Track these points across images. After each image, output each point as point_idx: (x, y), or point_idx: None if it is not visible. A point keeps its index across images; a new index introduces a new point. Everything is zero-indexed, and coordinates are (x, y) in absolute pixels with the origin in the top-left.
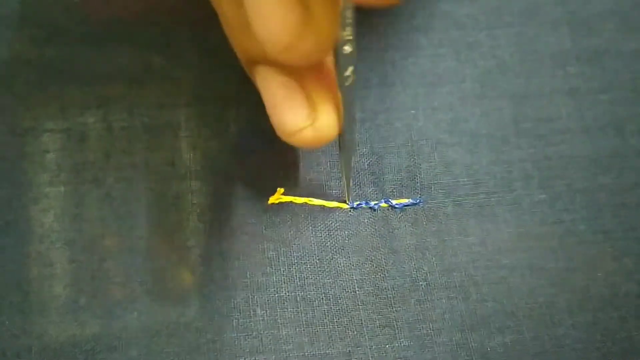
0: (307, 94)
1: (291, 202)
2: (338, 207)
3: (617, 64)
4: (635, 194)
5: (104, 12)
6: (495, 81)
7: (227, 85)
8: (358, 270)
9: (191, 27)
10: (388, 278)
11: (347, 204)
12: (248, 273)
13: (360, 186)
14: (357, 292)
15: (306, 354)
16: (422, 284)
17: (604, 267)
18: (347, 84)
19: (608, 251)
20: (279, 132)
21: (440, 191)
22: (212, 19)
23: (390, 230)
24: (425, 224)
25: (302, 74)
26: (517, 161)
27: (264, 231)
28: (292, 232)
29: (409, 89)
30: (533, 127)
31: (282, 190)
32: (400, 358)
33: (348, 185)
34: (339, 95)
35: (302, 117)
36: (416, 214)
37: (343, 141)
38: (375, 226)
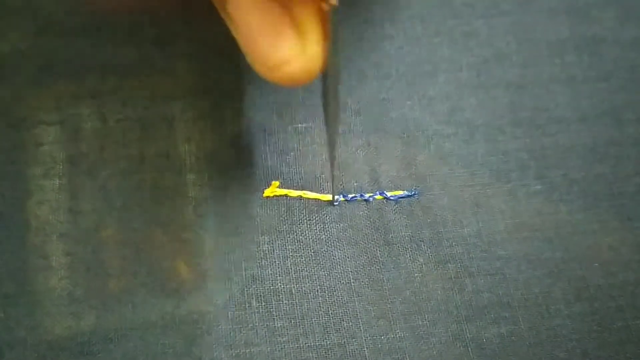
0: (294, 19)
1: (286, 195)
2: (331, 200)
3: (614, 52)
4: (632, 183)
5: (98, 4)
6: (492, 70)
7: (223, 77)
8: (353, 262)
9: (187, 19)
10: (383, 270)
11: (334, 201)
12: (243, 265)
13: (355, 178)
14: (352, 284)
15: (301, 345)
16: (417, 276)
17: (601, 257)
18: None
19: (605, 241)
20: (260, 67)
21: (436, 182)
22: (208, 12)
23: (386, 223)
24: (421, 216)
25: None
26: (513, 151)
27: (259, 224)
28: (287, 225)
29: (405, 79)
30: (530, 116)
31: (277, 183)
32: (396, 349)
33: (333, 175)
34: (326, 20)
35: (291, 46)
36: (411, 206)
37: (328, 92)
38: (370, 218)
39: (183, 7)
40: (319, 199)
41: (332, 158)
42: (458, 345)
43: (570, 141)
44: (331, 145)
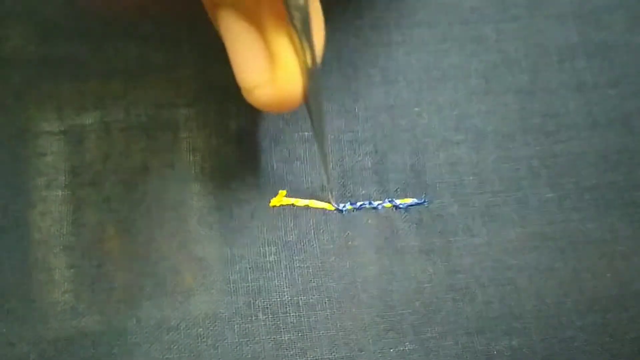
0: (267, 42)
1: (293, 204)
2: (336, 208)
3: (625, 57)
4: None
5: (101, 7)
6: (501, 76)
7: (228, 82)
8: (362, 272)
9: (190, 23)
10: (393, 280)
11: (334, 205)
12: (249, 277)
13: (364, 186)
14: (361, 296)
15: (309, 359)
16: (427, 286)
17: (613, 267)
18: (297, 21)
19: (617, 250)
20: (241, 88)
21: (445, 190)
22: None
23: (395, 231)
24: (431, 225)
25: (263, 19)
26: (524, 158)
27: (265, 234)
28: (294, 235)
29: (413, 86)
30: (540, 123)
31: (284, 192)
32: None
33: (328, 176)
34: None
35: (260, 70)
36: (421, 214)
37: (311, 114)
38: (379, 227)
39: (188, 10)
40: (325, 209)
41: (325, 164)
42: (468, 357)
43: (581, 148)
44: (322, 154)
